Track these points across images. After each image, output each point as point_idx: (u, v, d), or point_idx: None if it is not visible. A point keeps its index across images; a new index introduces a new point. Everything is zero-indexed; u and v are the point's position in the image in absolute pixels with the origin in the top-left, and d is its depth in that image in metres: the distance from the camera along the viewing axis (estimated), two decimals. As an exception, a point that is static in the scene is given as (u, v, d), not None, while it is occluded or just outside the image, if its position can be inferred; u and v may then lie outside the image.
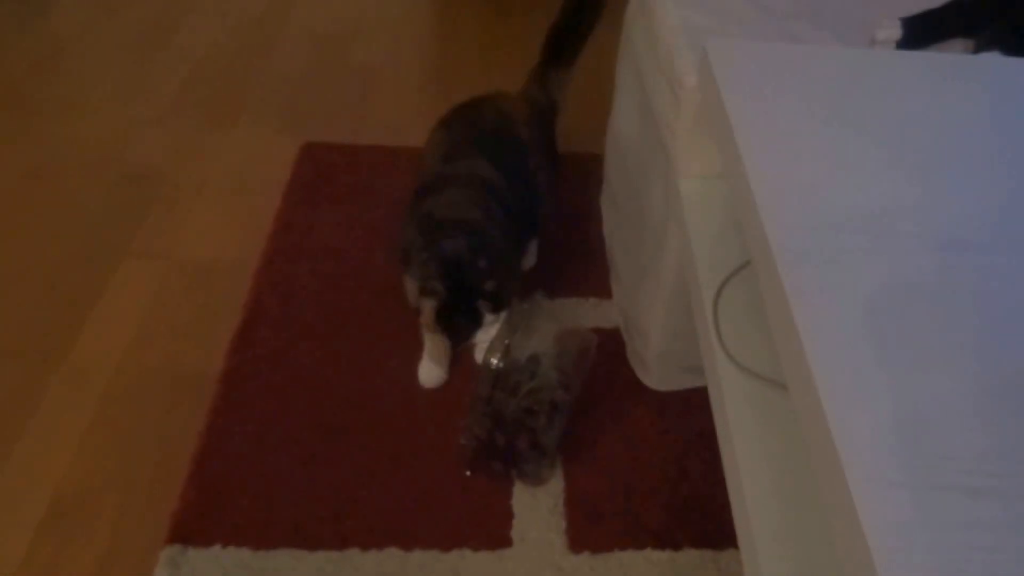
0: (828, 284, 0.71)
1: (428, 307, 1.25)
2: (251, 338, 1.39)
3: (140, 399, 1.30)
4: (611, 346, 1.39)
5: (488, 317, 1.27)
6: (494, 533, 1.13)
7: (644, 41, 1.29)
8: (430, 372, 1.33)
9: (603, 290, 1.51)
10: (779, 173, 0.84)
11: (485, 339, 1.25)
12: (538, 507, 1.17)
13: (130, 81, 2.05)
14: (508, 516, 1.15)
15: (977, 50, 1.13)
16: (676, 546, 1.12)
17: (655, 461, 1.23)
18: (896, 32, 1.10)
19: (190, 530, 1.11)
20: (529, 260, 1.53)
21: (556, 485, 1.19)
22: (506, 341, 1.16)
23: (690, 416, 1.28)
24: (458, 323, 1.27)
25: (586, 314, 1.47)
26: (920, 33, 1.11)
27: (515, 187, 1.36)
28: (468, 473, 1.20)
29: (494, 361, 1.15)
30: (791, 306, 0.69)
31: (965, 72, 1.05)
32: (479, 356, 1.30)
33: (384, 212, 1.67)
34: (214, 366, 1.34)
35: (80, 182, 1.72)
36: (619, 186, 1.49)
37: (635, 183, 1.38)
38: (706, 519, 1.13)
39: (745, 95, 0.94)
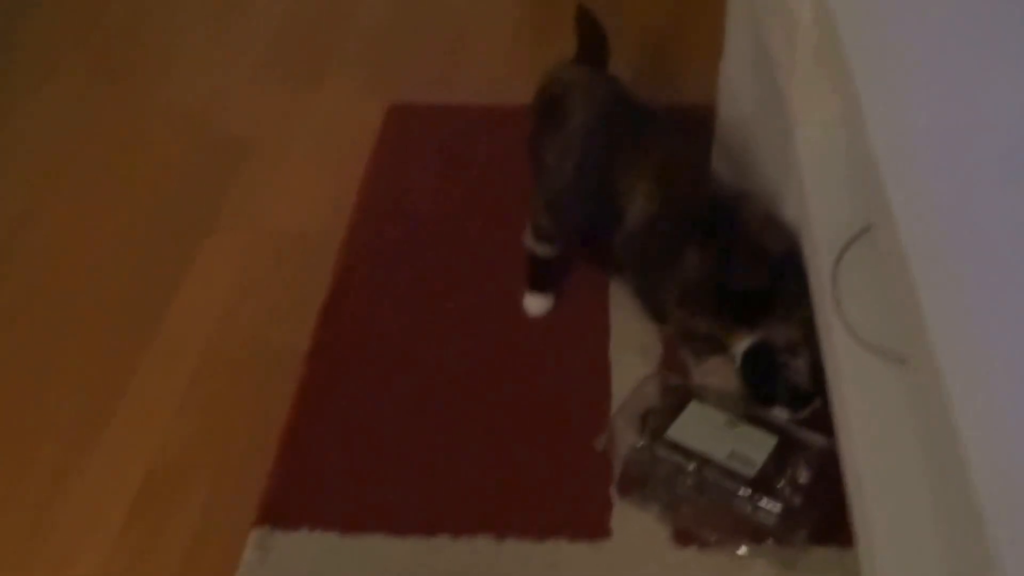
0: (959, 251, 0.67)
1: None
2: (340, 311, 1.44)
3: (230, 375, 1.37)
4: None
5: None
6: (593, 522, 1.14)
7: (757, -27, 1.25)
8: (539, 303, 1.40)
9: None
10: (908, 120, 0.79)
11: None
12: (641, 494, 1.17)
13: (213, 47, 2.13)
14: (607, 505, 1.16)
15: None
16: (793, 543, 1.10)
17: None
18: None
19: (278, 512, 1.17)
20: None
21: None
22: None
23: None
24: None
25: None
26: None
27: None
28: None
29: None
30: (913, 274, 0.66)
31: None
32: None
33: (476, 176, 1.68)
34: (303, 340, 1.39)
35: (168, 152, 1.81)
36: (733, 141, 1.45)
37: (750, 137, 1.34)
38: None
39: (868, 29, 0.89)
